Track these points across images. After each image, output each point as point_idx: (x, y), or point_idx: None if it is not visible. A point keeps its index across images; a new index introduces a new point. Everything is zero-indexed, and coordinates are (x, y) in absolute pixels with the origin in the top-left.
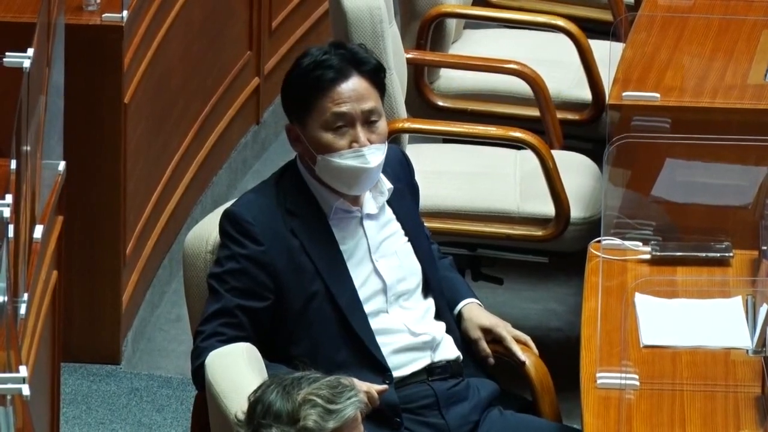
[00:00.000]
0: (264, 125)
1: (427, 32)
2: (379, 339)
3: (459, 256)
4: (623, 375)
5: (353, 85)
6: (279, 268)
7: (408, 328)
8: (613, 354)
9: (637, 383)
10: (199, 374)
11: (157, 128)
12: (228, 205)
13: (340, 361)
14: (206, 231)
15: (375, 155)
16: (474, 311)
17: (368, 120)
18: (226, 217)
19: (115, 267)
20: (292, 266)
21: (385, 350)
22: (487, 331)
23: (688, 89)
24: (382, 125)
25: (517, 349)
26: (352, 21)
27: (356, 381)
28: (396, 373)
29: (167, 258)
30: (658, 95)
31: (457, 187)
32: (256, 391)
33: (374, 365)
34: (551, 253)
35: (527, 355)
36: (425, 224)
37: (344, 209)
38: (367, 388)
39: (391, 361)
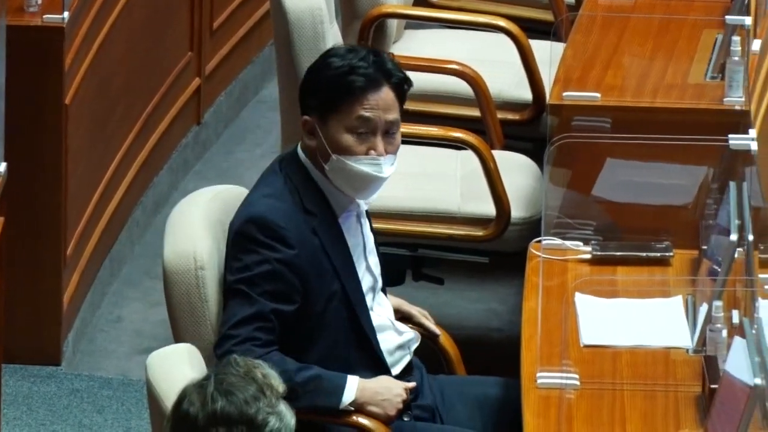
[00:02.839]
0: (205, 126)
1: (368, 33)
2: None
3: (400, 257)
4: (563, 374)
5: (383, 94)
6: (307, 271)
7: (393, 325)
8: (554, 354)
9: (578, 383)
10: None
11: (98, 129)
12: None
13: (351, 362)
14: (189, 248)
15: (389, 167)
16: None
17: (389, 131)
18: (254, 222)
19: (55, 267)
20: (316, 267)
21: (383, 348)
22: (395, 311)
23: (628, 89)
24: (399, 138)
25: (429, 323)
26: (293, 22)
27: (393, 381)
28: (393, 372)
29: (108, 258)
30: (598, 95)
31: (398, 187)
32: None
33: (378, 365)
34: (492, 253)
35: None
36: None
37: (350, 208)
38: (405, 386)
39: (388, 360)
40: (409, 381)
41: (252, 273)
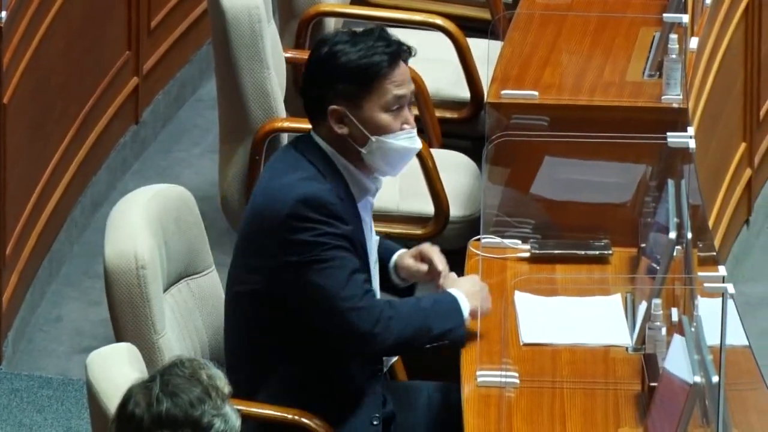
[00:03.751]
0: (143, 125)
1: (305, 31)
2: None
3: None
4: (503, 373)
5: (402, 69)
6: (357, 250)
7: None
8: (493, 352)
9: (517, 381)
10: (381, 338)
11: (37, 128)
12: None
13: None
14: (130, 247)
15: (418, 138)
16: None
17: (410, 103)
18: (307, 203)
19: None
20: (357, 250)
21: None
22: (417, 256)
23: (566, 87)
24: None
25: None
26: (230, 20)
27: (467, 278)
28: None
29: (47, 258)
30: (536, 93)
31: None
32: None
33: (378, 361)
34: None
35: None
36: None
37: (368, 195)
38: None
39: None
40: (372, 384)
41: (325, 247)
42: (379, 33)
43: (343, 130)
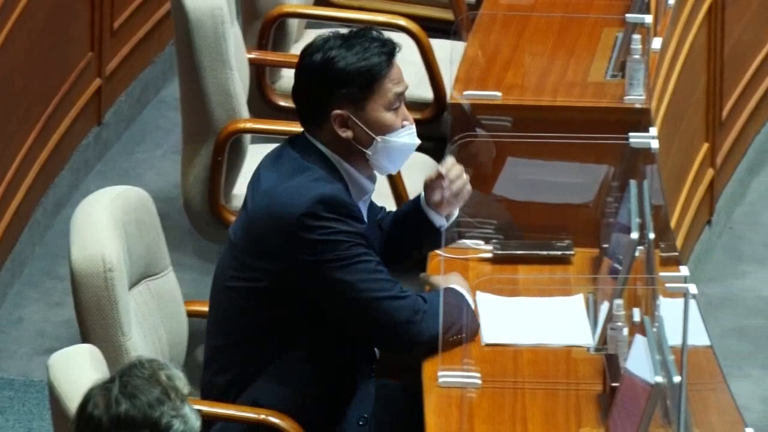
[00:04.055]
0: (105, 126)
1: (268, 32)
2: None
3: None
4: (465, 374)
5: (398, 66)
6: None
7: None
8: (455, 352)
9: (479, 381)
10: (417, 329)
11: None
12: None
13: (349, 355)
14: (97, 251)
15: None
16: None
17: (404, 99)
18: (324, 202)
19: None
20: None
21: None
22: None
23: (529, 87)
24: None
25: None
26: (193, 21)
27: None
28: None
29: (9, 260)
30: (499, 94)
31: None
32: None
33: (371, 359)
34: None
35: None
36: None
37: (366, 197)
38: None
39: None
40: (366, 385)
41: (345, 246)
42: (371, 34)
43: (347, 134)
